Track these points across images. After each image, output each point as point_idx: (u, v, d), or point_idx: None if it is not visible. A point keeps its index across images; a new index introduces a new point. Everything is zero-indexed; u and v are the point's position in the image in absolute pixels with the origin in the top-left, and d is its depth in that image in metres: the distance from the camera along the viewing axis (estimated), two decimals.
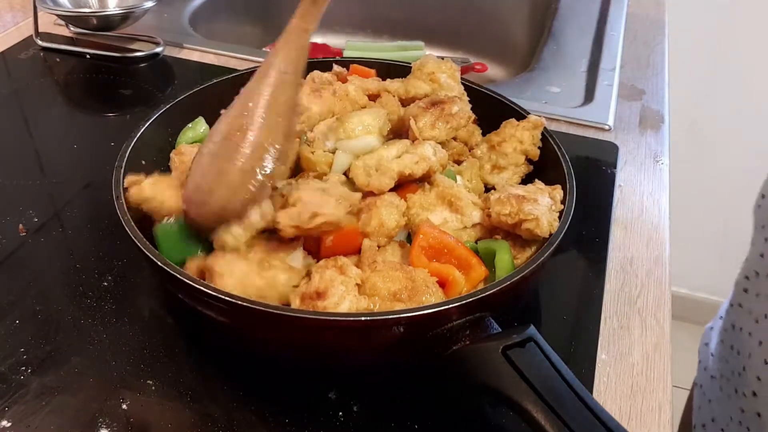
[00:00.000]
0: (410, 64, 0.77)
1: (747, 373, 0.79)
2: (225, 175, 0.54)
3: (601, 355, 0.61)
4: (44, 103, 0.94)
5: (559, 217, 0.59)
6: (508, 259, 0.58)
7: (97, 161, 0.79)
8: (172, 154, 0.66)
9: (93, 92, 0.99)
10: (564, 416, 0.44)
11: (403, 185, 0.63)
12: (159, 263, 0.52)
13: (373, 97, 0.74)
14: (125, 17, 1.02)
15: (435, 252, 0.57)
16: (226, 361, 0.59)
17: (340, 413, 0.55)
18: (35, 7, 1.01)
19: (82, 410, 0.54)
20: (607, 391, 0.59)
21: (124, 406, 0.54)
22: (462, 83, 0.74)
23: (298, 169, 0.65)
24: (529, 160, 0.70)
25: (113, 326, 0.61)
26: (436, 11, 1.35)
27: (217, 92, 0.68)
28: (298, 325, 0.50)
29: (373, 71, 0.79)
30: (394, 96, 0.72)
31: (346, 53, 1.26)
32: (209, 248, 0.56)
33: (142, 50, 1.04)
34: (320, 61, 0.79)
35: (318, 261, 0.56)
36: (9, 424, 0.53)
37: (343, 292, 0.51)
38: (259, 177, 0.54)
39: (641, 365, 0.61)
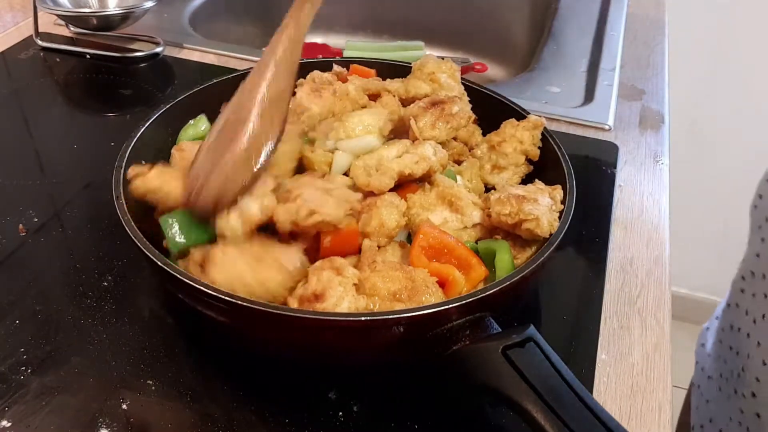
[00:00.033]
0: (410, 64, 0.77)
1: (746, 374, 0.79)
2: (220, 164, 0.56)
3: (601, 355, 0.61)
4: (44, 103, 0.94)
5: (559, 218, 0.59)
6: (508, 259, 0.58)
7: (97, 161, 0.79)
8: (173, 150, 0.66)
9: (93, 92, 0.99)
10: (564, 416, 0.44)
11: (404, 185, 0.63)
12: (159, 263, 0.52)
13: (374, 97, 0.74)
14: (125, 17, 1.02)
15: (435, 252, 0.57)
16: (226, 361, 0.59)
17: (340, 413, 0.55)
18: (35, 7, 1.01)
19: (82, 410, 0.54)
20: (607, 391, 0.59)
21: (124, 406, 0.54)
22: (462, 83, 0.74)
23: (302, 170, 0.65)
24: (529, 160, 0.70)
25: (113, 326, 0.61)
26: (436, 11, 1.35)
27: (217, 92, 0.68)
28: (298, 325, 0.50)
29: (373, 71, 0.79)
30: (394, 96, 0.72)
31: (346, 53, 1.26)
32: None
33: (142, 50, 1.04)
34: (320, 61, 0.79)
35: (316, 261, 0.56)
36: (9, 424, 0.53)
37: (341, 293, 0.51)
38: (253, 165, 0.56)
39: (641, 365, 0.61)
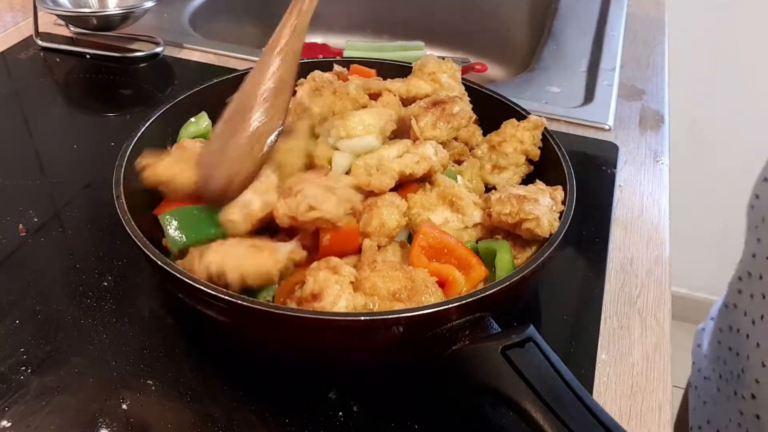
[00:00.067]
0: (410, 64, 0.77)
1: (746, 376, 0.79)
2: (227, 151, 0.58)
3: (601, 355, 0.61)
4: (44, 103, 0.94)
5: (560, 218, 0.59)
6: (508, 259, 0.58)
7: (97, 161, 0.79)
8: (174, 147, 0.66)
9: (93, 92, 0.99)
10: (563, 416, 0.44)
11: (404, 185, 0.63)
12: (159, 263, 0.52)
13: (374, 96, 0.74)
14: (125, 17, 1.02)
15: (435, 252, 0.57)
16: (226, 361, 0.59)
17: (340, 413, 0.55)
18: (35, 7, 1.01)
19: (82, 410, 0.54)
20: (607, 391, 0.59)
21: (124, 406, 0.54)
22: (462, 83, 0.74)
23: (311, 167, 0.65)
24: (529, 160, 0.70)
25: (113, 326, 0.61)
26: (436, 11, 1.35)
27: (217, 92, 0.68)
28: (298, 325, 0.50)
29: (373, 71, 0.78)
30: (395, 95, 0.72)
31: (346, 53, 1.26)
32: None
33: (142, 50, 1.04)
34: (321, 61, 0.79)
35: (316, 260, 0.56)
36: (9, 424, 0.53)
37: (338, 291, 0.51)
38: (257, 152, 0.58)
39: (641, 365, 0.61)
